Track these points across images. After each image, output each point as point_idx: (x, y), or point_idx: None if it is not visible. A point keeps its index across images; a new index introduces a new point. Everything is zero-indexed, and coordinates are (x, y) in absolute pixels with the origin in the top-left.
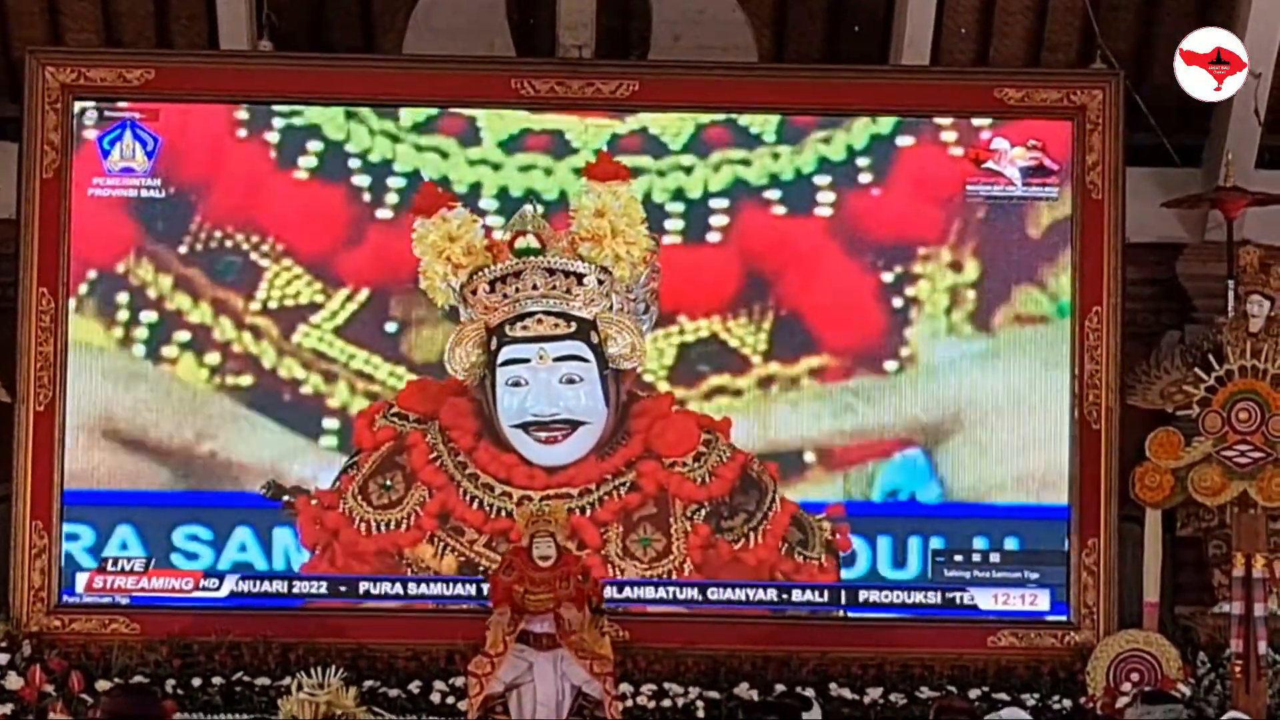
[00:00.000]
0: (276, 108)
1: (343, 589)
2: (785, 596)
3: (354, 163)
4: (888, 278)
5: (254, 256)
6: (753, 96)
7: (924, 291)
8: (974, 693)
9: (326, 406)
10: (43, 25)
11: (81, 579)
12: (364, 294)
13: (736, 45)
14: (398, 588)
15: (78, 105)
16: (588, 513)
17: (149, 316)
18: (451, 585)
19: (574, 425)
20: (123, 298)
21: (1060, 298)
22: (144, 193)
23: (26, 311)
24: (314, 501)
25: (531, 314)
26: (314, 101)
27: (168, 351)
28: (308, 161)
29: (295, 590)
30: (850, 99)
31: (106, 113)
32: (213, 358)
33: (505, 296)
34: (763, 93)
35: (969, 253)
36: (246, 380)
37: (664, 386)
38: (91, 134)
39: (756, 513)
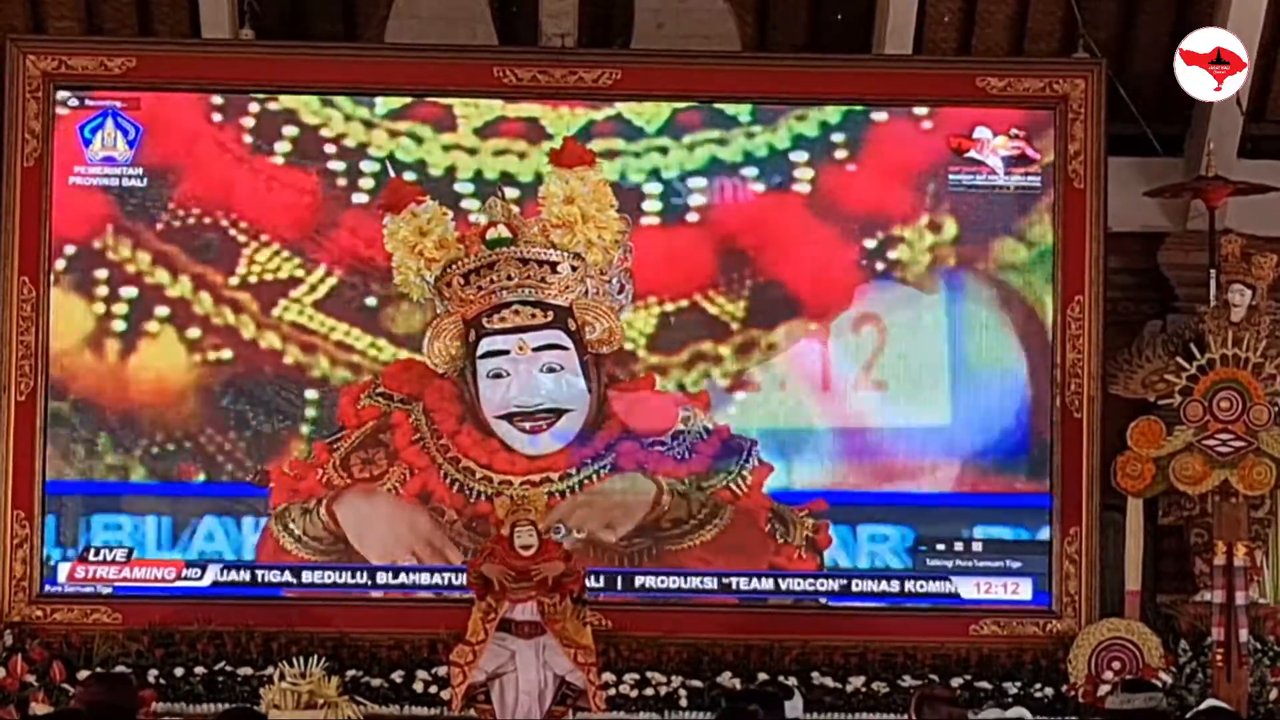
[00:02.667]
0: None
1: (324, 578)
2: (768, 585)
3: (329, 148)
4: (869, 244)
5: (232, 233)
6: (736, 85)
7: (905, 254)
8: (956, 681)
9: (308, 378)
10: (24, 13)
11: (63, 569)
12: (341, 271)
13: (719, 34)
14: (382, 577)
15: (59, 94)
16: (567, 496)
17: (129, 292)
18: (432, 575)
19: (558, 413)
20: (101, 273)
21: (1038, 244)
22: (125, 182)
23: (7, 300)
24: (288, 471)
25: (508, 305)
26: (296, 90)
27: (149, 326)
28: (283, 146)
29: (277, 580)
30: (833, 88)
31: (88, 101)
32: (193, 332)
33: (480, 289)
34: (746, 81)
35: (945, 212)
36: (227, 354)
37: (643, 355)
38: (73, 122)
39: (734, 470)
